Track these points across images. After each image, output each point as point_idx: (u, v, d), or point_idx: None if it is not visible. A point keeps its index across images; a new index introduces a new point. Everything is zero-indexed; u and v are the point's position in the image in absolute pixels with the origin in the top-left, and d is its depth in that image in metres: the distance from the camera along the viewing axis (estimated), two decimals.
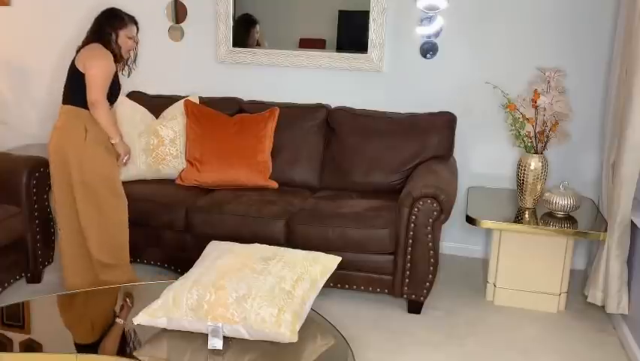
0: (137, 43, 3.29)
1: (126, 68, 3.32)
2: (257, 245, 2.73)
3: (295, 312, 2.28)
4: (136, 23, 3.25)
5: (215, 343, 2.22)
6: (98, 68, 3.03)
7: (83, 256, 3.16)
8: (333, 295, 3.36)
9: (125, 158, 3.24)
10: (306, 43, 4.11)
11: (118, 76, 3.22)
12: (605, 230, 3.10)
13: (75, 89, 3.07)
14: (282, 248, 2.69)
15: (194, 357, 2.27)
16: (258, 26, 4.19)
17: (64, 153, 3.05)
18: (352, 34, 4.04)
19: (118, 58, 3.18)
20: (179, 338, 2.31)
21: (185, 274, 2.48)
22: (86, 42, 3.15)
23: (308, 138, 3.82)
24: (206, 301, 2.27)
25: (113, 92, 3.17)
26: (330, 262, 2.60)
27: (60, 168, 3.09)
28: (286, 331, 2.22)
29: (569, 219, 3.27)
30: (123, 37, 3.18)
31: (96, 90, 3.02)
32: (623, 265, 3.07)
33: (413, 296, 3.22)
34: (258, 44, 4.18)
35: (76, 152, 3.04)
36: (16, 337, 2.39)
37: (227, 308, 2.25)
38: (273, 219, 3.28)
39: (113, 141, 3.14)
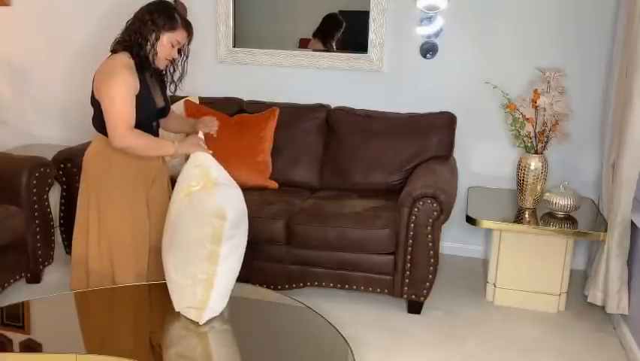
0: (186, 56, 2.67)
1: (172, 84, 2.72)
2: None
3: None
4: (189, 30, 2.60)
5: None
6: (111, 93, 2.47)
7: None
8: (333, 295, 3.36)
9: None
10: (306, 43, 4.11)
11: (150, 91, 2.60)
12: (605, 230, 3.10)
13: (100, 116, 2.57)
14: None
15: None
16: (342, 29, 4.06)
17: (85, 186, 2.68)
18: (352, 34, 4.04)
19: (148, 66, 2.56)
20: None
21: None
22: (115, 46, 2.57)
23: (308, 138, 3.82)
24: None
25: (145, 111, 2.58)
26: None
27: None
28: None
29: (569, 219, 3.27)
30: (165, 41, 2.55)
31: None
32: (623, 266, 3.07)
33: (413, 296, 3.22)
34: (335, 48, 4.07)
35: (95, 190, 2.66)
36: (16, 337, 2.39)
37: None
38: (273, 219, 3.28)
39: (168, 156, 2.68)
